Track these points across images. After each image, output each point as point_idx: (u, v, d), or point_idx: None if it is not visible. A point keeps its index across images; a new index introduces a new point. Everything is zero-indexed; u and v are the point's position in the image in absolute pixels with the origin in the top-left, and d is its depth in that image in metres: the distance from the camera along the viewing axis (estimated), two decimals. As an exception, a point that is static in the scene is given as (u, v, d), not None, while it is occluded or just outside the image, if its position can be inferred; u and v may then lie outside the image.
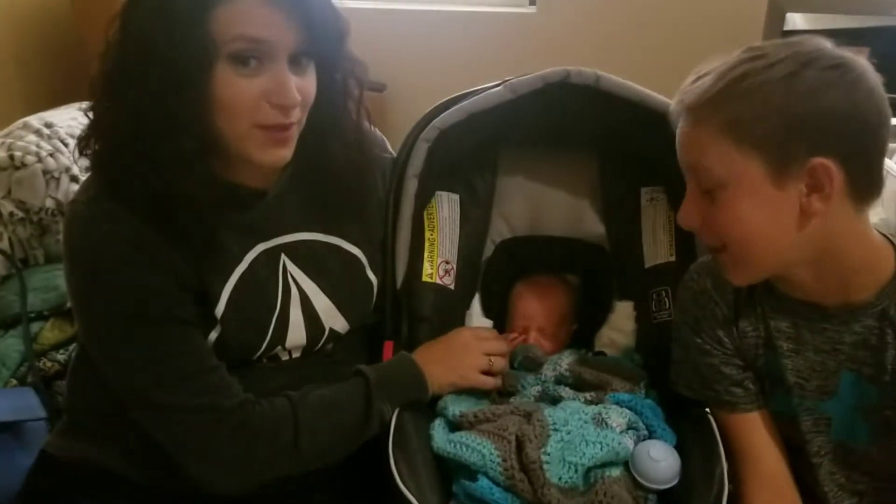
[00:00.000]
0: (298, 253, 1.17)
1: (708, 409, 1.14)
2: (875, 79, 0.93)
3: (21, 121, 1.76)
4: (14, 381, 1.53)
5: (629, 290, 1.37)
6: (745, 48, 0.97)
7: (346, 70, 1.14)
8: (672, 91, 1.03)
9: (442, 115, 1.24)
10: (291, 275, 1.17)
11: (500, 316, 1.40)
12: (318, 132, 1.12)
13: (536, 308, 1.35)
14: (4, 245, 1.69)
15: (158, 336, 1.05)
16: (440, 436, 1.14)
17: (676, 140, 1.00)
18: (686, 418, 1.17)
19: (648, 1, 3.44)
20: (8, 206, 1.68)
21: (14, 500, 1.21)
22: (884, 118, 0.93)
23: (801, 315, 1.06)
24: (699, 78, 0.97)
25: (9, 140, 1.74)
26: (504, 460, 1.06)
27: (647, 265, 1.33)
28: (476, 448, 1.08)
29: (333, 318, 1.20)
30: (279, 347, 1.16)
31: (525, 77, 1.23)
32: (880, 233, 1.03)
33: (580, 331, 1.39)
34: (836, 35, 2.93)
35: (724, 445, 1.11)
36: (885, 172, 0.98)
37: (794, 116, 0.91)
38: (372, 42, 3.57)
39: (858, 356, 1.03)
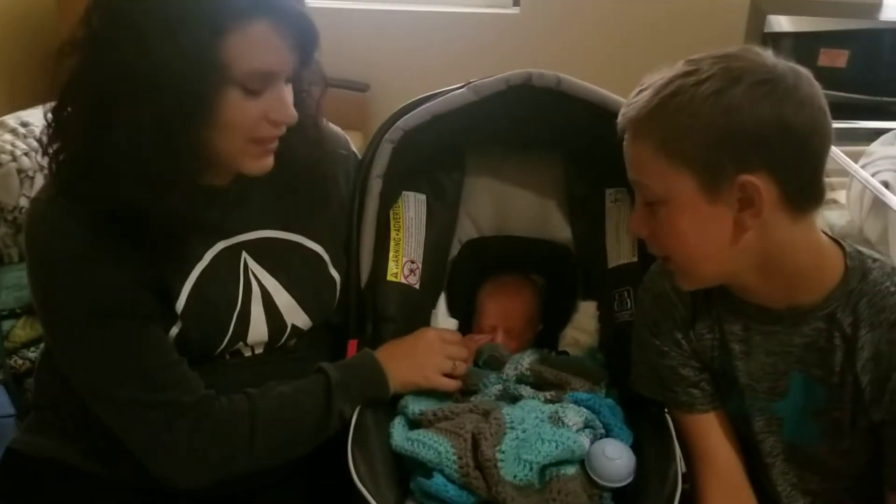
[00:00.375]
0: (260, 250, 1.18)
1: (666, 410, 1.16)
2: (810, 89, 0.93)
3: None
4: (-15, 379, 1.54)
5: (593, 291, 1.38)
6: (684, 61, 0.97)
7: (315, 72, 1.16)
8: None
9: (406, 117, 1.25)
10: (253, 272, 1.18)
11: (465, 315, 1.41)
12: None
13: (504, 308, 1.37)
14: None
15: (117, 332, 1.06)
16: (399, 434, 1.15)
17: (624, 155, 1.02)
18: (644, 418, 1.18)
19: (631, 2, 3.46)
20: (-20, 204, 1.68)
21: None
22: (818, 128, 0.94)
23: (752, 318, 1.07)
24: (640, 92, 0.99)
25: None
26: (459, 458, 1.07)
27: (610, 265, 1.35)
28: (432, 446, 1.09)
29: (295, 315, 1.21)
30: (241, 343, 1.17)
31: (488, 79, 1.24)
32: (830, 237, 1.04)
33: (545, 330, 1.41)
34: (817, 37, 2.95)
35: (681, 445, 1.13)
36: (824, 180, 0.98)
37: (720, 133, 0.92)
38: (355, 42, 3.60)
39: (807, 358, 1.04)
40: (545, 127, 1.34)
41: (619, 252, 1.34)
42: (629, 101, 1.00)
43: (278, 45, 1.00)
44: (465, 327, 1.40)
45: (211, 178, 1.12)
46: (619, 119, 1.01)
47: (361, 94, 3.21)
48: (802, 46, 2.93)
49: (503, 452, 1.07)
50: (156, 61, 0.94)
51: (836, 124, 1.91)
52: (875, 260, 1.02)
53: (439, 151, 1.38)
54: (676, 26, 3.34)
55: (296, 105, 1.12)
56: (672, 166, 0.95)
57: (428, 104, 1.25)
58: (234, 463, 1.11)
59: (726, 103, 0.91)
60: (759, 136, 0.91)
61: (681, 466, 1.09)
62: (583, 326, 1.37)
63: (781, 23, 3.02)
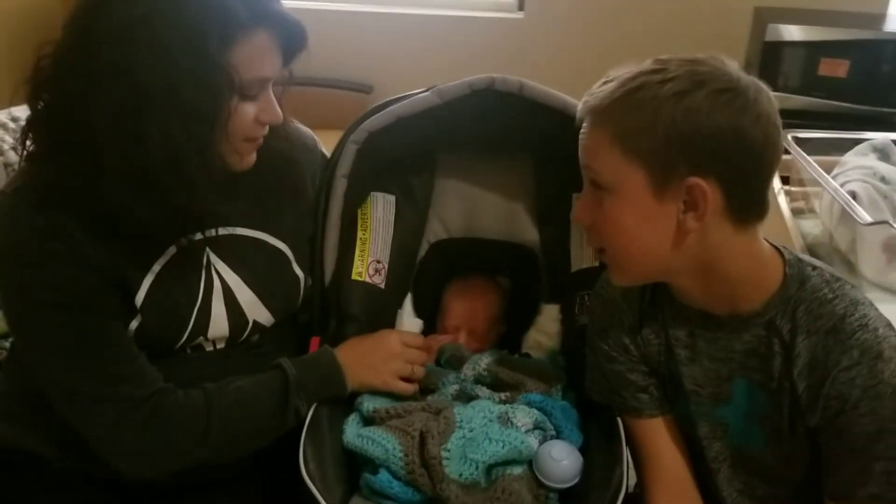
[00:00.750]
0: (223, 246, 1.21)
1: (617, 415, 1.17)
2: (768, 105, 0.95)
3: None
4: (-37, 368, 1.57)
5: (556, 294, 1.40)
6: (653, 59, 0.99)
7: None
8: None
9: (371, 119, 1.27)
10: (215, 267, 1.20)
11: (431, 315, 1.43)
12: None
13: (467, 309, 1.38)
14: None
15: (74, 324, 1.09)
16: (351, 430, 1.17)
17: (579, 140, 1.02)
18: (595, 421, 1.20)
19: (635, 7, 3.47)
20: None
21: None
22: (771, 144, 0.95)
23: (696, 324, 1.08)
24: (606, 82, 1.00)
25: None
26: (406, 455, 1.09)
27: (573, 269, 1.36)
28: (381, 442, 1.11)
29: (257, 311, 1.23)
30: (202, 338, 1.19)
31: (452, 83, 1.26)
32: (772, 245, 1.05)
33: (509, 332, 1.42)
34: (818, 47, 2.94)
35: (631, 450, 1.14)
36: (769, 196, 0.99)
37: (677, 134, 0.93)
38: (361, 44, 3.63)
39: (749, 364, 1.05)
40: (512, 131, 1.35)
41: (583, 256, 1.35)
42: (592, 90, 1.01)
43: (275, 53, 1.07)
44: (431, 327, 1.42)
45: None
46: (580, 106, 1.02)
47: (365, 96, 3.23)
48: (803, 55, 2.93)
49: (448, 451, 1.09)
50: (171, 76, 0.98)
51: (830, 134, 1.91)
52: (815, 268, 1.03)
53: (409, 154, 1.40)
54: (679, 33, 3.34)
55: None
56: (626, 159, 0.96)
57: (393, 106, 1.27)
58: (189, 456, 1.13)
59: (687, 105, 0.92)
60: (715, 143, 0.93)
61: (628, 470, 1.10)
62: (545, 329, 1.38)
63: (782, 32, 3.01)
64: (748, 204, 0.98)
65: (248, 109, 1.08)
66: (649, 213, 0.97)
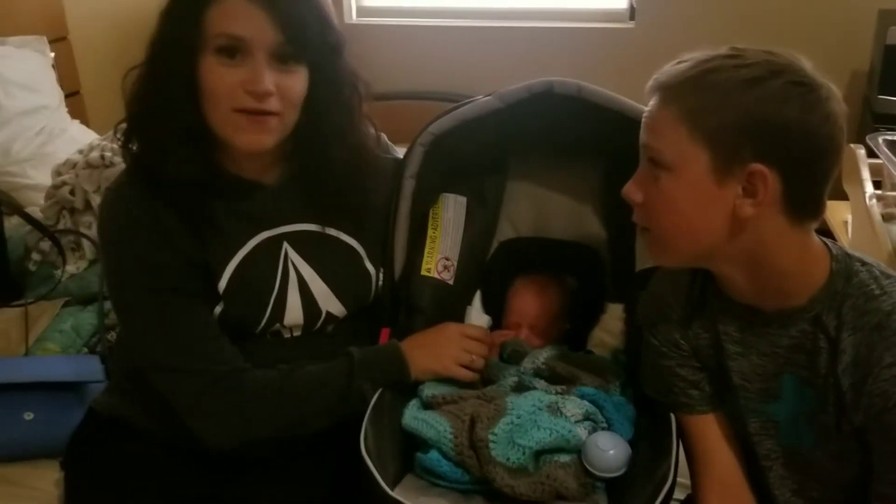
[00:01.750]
0: (300, 241, 1.31)
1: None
2: (838, 108, 0.95)
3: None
4: (85, 350, 1.76)
5: (621, 293, 1.42)
6: (730, 46, 1.00)
7: (350, 83, 1.29)
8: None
9: (436, 122, 1.35)
10: (292, 260, 1.31)
11: (499, 312, 1.48)
12: (320, 137, 1.27)
13: (529, 305, 1.43)
14: (94, 233, 1.93)
15: (165, 305, 1.22)
16: (410, 413, 1.24)
17: (644, 114, 1.04)
18: (649, 416, 1.21)
19: (752, 13, 3.40)
20: (97, 200, 1.92)
21: (65, 448, 1.41)
22: (835, 145, 0.96)
23: (745, 318, 1.09)
24: (679, 62, 1.01)
25: (104, 143, 2.00)
26: (455, 437, 1.15)
27: (637, 269, 1.38)
28: (433, 425, 1.18)
29: (330, 302, 1.33)
30: (278, 325, 1.30)
31: (513, 87, 1.32)
32: (821, 239, 1.05)
33: (574, 330, 1.45)
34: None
35: (683, 446, 1.16)
36: (826, 197, 0.99)
37: (747, 118, 0.94)
38: (471, 57, 3.73)
39: (796, 360, 1.05)
40: (577, 134, 1.39)
41: (647, 256, 1.37)
42: (664, 69, 1.02)
43: (250, 15, 1.14)
44: (498, 324, 1.47)
45: (245, 171, 1.27)
46: (651, 83, 1.03)
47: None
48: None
49: (495, 434, 1.14)
50: (155, 33, 1.17)
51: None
52: (864, 263, 1.02)
53: (479, 157, 1.46)
54: (800, 38, 3.22)
55: (332, 111, 1.26)
56: (691, 138, 0.97)
57: (457, 110, 1.34)
58: (262, 428, 1.24)
59: (761, 92, 0.94)
60: (782, 133, 0.94)
61: (676, 466, 1.11)
62: (609, 328, 1.40)
63: (906, 35, 2.89)
64: (805, 200, 0.98)
65: (227, 72, 1.15)
66: (706, 194, 0.98)
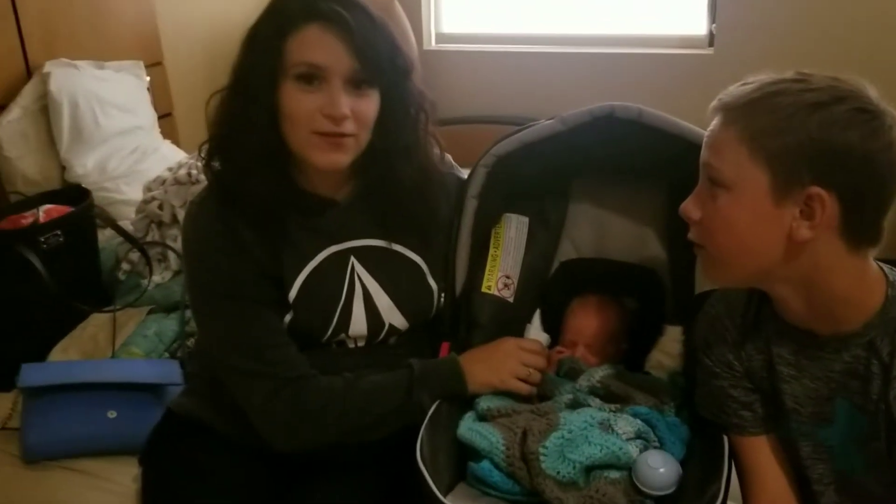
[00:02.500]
0: (366, 255, 1.38)
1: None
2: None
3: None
4: (166, 354, 1.87)
5: (680, 315, 1.42)
6: (796, 71, 1.03)
7: (417, 105, 1.35)
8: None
9: (499, 144, 1.39)
10: (358, 274, 1.37)
11: (557, 331, 1.51)
12: (388, 155, 1.34)
13: (585, 325, 1.45)
14: (179, 246, 2.05)
15: (240, 312, 1.30)
16: (465, 425, 1.28)
17: (706, 132, 1.06)
18: (702, 437, 1.22)
19: (833, 39, 3.35)
20: (183, 214, 2.03)
21: (143, 445, 1.50)
22: (894, 173, 0.96)
23: (799, 342, 1.09)
24: (744, 84, 1.04)
25: (191, 161, 2.12)
26: (507, 448, 1.19)
27: (697, 291, 1.39)
28: (486, 436, 1.21)
29: (393, 315, 1.39)
30: (344, 335, 1.37)
31: (575, 111, 1.36)
32: (878, 265, 1.05)
33: (633, 351, 1.47)
34: None
35: (736, 468, 1.16)
36: (884, 226, 0.99)
37: (809, 142, 0.96)
38: (552, 83, 3.77)
39: (849, 385, 1.05)
40: (639, 157, 1.41)
41: (706, 279, 1.38)
42: (728, 90, 1.05)
43: (327, 44, 1.22)
44: (557, 343, 1.49)
45: (318, 188, 1.34)
46: (715, 102, 1.05)
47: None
48: None
49: (546, 448, 1.17)
50: (239, 59, 1.26)
51: None
52: None
53: (542, 179, 1.50)
54: (879, 67, 3.17)
55: (401, 130, 1.32)
56: (752, 159, 0.99)
57: (519, 133, 1.38)
58: (326, 433, 1.30)
59: (825, 116, 0.95)
60: (843, 158, 0.95)
61: (727, 487, 1.12)
62: (668, 350, 1.41)
63: None
64: (863, 227, 0.99)
65: (305, 98, 1.23)
66: (764, 215, 0.99)
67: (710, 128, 1.05)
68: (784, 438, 1.15)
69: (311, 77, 1.23)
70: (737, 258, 1.04)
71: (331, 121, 1.23)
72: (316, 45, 1.22)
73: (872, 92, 0.98)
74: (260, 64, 1.24)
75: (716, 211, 1.03)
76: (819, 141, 0.95)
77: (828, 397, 1.07)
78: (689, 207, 1.08)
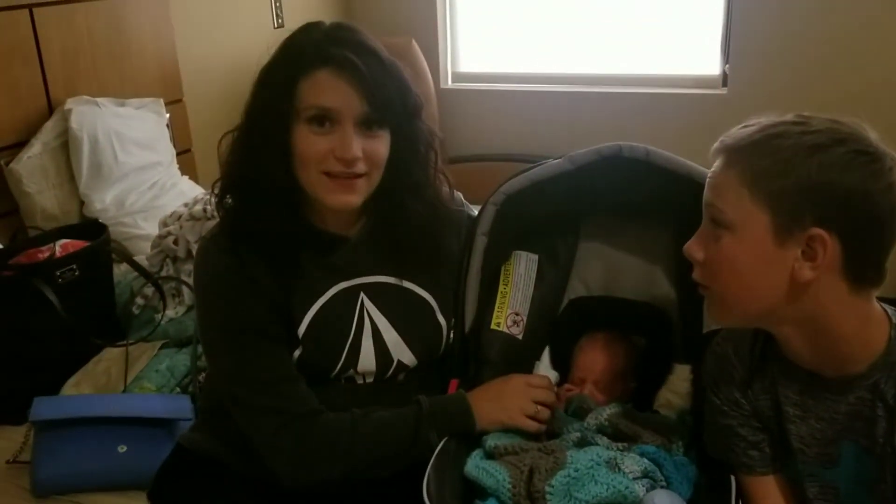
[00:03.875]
0: (376, 292, 1.39)
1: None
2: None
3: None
4: (178, 389, 1.88)
5: (689, 354, 1.42)
6: (796, 114, 1.04)
7: (427, 143, 1.37)
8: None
9: (508, 182, 1.41)
10: (367, 310, 1.38)
11: (567, 369, 1.51)
12: (398, 193, 1.36)
13: (594, 362, 1.44)
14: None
15: (249, 346, 1.31)
16: (472, 462, 1.27)
17: (708, 174, 1.08)
18: (709, 476, 1.21)
19: (845, 80, 3.36)
20: (198, 249, 2.06)
21: (152, 480, 1.50)
22: (894, 216, 0.97)
23: (804, 382, 1.09)
24: (745, 126, 1.05)
25: (207, 196, 2.15)
26: (513, 486, 1.18)
27: (705, 330, 1.38)
28: (493, 473, 1.21)
29: (402, 352, 1.39)
30: (352, 370, 1.37)
31: (583, 150, 1.37)
32: (881, 306, 1.04)
33: (641, 389, 1.46)
34: None
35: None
36: (886, 266, 1.00)
37: (809, 183, 0.97)
38: (571, 123, 3.80)
39: (855, 427, 1.04)
40: (647, 196, 1.42)
41: (711, 319, 1.37)
42: (730, 132, 1.06)
43: (338, 88, 1.24)
44: (566, 380, 1.49)
45: (330, 225, 1.36)
46: (717, 144, 1.07)
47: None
48: None
49: (552, 486, 1.16)
50: (252, 101, 1.28)
51: None
52: None
53: (551, 217, 1.51)
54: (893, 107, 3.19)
55: (411, 169, 1.34)
56: (753, 201, 1.00)
57: (528, 172, 1.40)
58: (334, 468, 1.30)
59: (824, 159, 0.96)
60: (843, 199, 0.96)
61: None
62: (676, 389, 1.41)
63: None
64: (865, 267, 0.99)
65: (317, 140, 1.25)
66: (766, 256, 1.00)
67: (713, 169, 1.06)
68: (792, 479, 1.14)
69: (323, 119, 1.25)
70: (741, 298, 1.05)
71: (342, 163, 1.26)
72: (327, 90, 1.25)
73: (872, 134, 0.99)
74: (272, 106, 1.26)
75: (718, 251, 1.04)
76: (819, 183, 0.96)
77: (833, 439, 1.07)
78: (693, 248, 1.08)
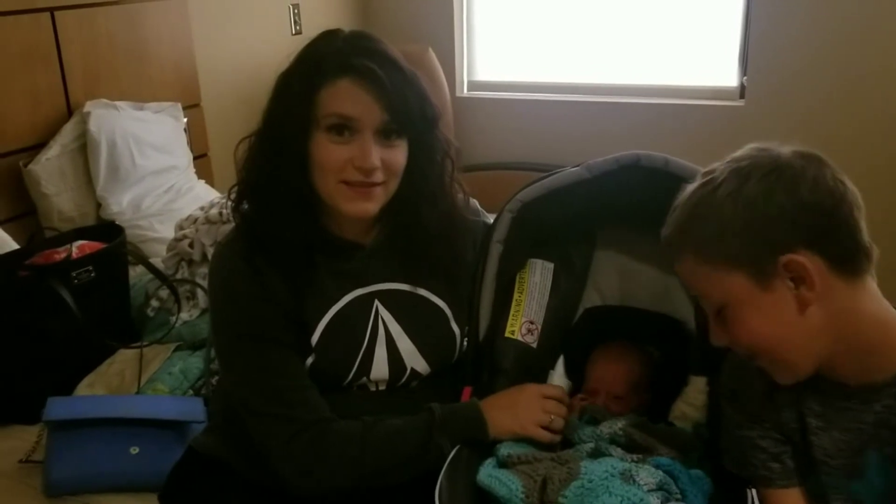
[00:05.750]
0: (390, 299, 1.38)
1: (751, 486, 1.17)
2: (818, 170, 0.99)
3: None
4: (191, 392, 1.88)
5: (705, 366, 1.41)
6: (701, 173, 1.08)
7: (443, 152, 1.37)
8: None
9: (524, 190, 1.40)
10: (382, 317, 1.37)
11: (581, 378, 1.49)
12: (415, 201, 1.35)
13: (607, 373, 1.43)
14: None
15: (262, 353, 1.30)
16: (485, 471, 1.26)
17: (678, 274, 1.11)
18: (725, 490, 1.20)
19: (864, 92, 3.34)
20: (213, 253, 2.06)
21: (163, 482, 1.50)
22: (838, 197, 0.99)
23: (827, 393, 1.08)
24: (672, 213, 1.09)
25: (223, 200, 2.15)
26: (527, 496, 1.17)
27: (721, 342, 1.37)
28: (506, 483, 1.20)
29: (415, 360, 1.39)
30: (365, 378, 1.37)
31: (601, 158, 1.36)
32: None
33: (657, 401, 1.45)
34: None
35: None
36: (865, 239, 1.01)
37: (747, 227, 0.99)
38: (586, 133, 3.80)
39: (881, 436, 1.03)
40: (664, 206, 1.39)
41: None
42: (666, 223, 1.10)
43: (359, 97, 1.24)
44: (580, 390, 1.48)
45: (346, 233, 1.36)
46: (662, 242, 1.11)
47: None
48: None
49: (565, 497, 1.15)
50: (272, 109, 1.28)
51: None
52: None
53: (568, 226, 1.50)
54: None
55: (427, 177, 1.34)
56: (717, 270, 1.03)
57: (545, 180, 1.39)
58: (344, 477, 1.29)
59: (744, 199, 1.00)
60: (784, 220, 0.98)
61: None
62: (692, 401, 1.39)
63: None
64: (847, 254, 1.01)
65: (336, 149, 1.25)
66: (767, 305, 1.02)
67: (675, 268, 1.11)
68: (815, 492, 1.12)
69: (342, 128, 1.26)
70: (785, 354, 1.05)
71: (361, 172, 1.26)
72: (348, 98, 1.25)
73: (771, 147, 1.02)
74: (291, 114, 1.26)
75: (733, 329, 1.06)
76: (754, 221, 0.99)
77: (859, 449, 1.06)
78: (716, 337, 1.10)
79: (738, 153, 1.04)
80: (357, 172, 1.26)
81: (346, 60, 1.25)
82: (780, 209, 0.98)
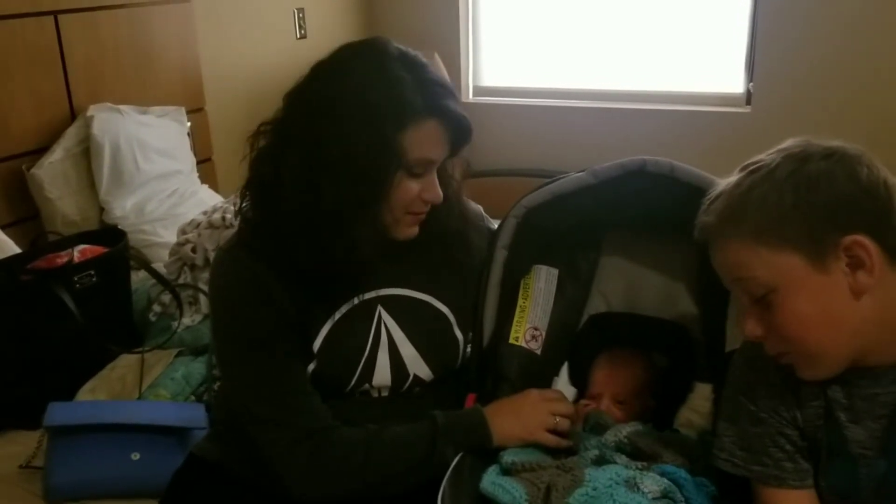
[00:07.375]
0: (393, 304, 1.37)
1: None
2: (869, 159, 1.00)
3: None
4: (192, 398, 1.87)
5: (711, 373, 1.40)
6: (739, 167, 1.06)
7: (453, 159, 1.36)
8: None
9: (530, 195, 1.39)
10: (385, 323, 1.36)
11: (585, 385, 1.48)
12: (431, 209, 1.34)
13: (612, 377, 1.42)
14: (210, 288, 2.06)
15: (263, 360, 1.29)
16: (488, 478, 1.25)
17: (714, 263, 1.08)
18: (731, 497, 1.18)
19: (868, 101, 3.33)
20: (216, 257, 2.05)
21: (164, 489, 1.49)
22: (890, 187, 0.99)
23: (852, 383, 1.06)
24: (711, 203, 1.07)
25: (226, 205, 2.15)
26: (530, 504, 1.16)
27: (727, 349, 1.36)
28: (510, 490, 1.19)
29: (418, 366, 1.37)
30: (367, 385, 1.35)
31: (606, 164, 1.35)
32: None
33: (662, 408, 1.43)
34: None
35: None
36: None
37: (811, 208, 0.98)
38: (592, 138, 3.80)
39: None
40: (671, 212, 1.39)
41: (737, 336, 1.35)
42: (703, 213, 1.08)
43: (441, 140, 1.25)
44: (584, 397, 1.47)
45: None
46: (697, 234, 1.08)
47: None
48: None
49: (570, 505, 1.14)
50: (349, 146, 1.20)
51: None
52: None
53: (573, 232, 1.49)
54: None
55: (443, 185, 1.33)
56: (775, 252, 1.00)
57: (550, 185, 1.38)
58: (347, 485, 1.28)
59: (806, 179, 0.98)
60: (847, 200, 0.97)
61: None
62: (697, 408, 1.38)
63: None
64: None
65: (412, 185, 1.25)
66: (821, 289, 0.99)
67: (714, 253, 1.07)
68: (838, 487, 1.09)
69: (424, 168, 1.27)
70: (827, 345, 1.02)
71: (426, 203, 1.29)
72: (437, 144, 1.26)
73: (815, 140, 1.02)
74: (378, 155, 1.21)
75: (777, 315, 1.02)
76: (818, 201, 0.97)
77: (893, 431, 1.03)
78: (751, 328, 1.06)
79: (783, 145, 1.02)
80: (423, 204, 1.28)
81: (437, 101, 1.23)
82: (841, 190, 0.97)
